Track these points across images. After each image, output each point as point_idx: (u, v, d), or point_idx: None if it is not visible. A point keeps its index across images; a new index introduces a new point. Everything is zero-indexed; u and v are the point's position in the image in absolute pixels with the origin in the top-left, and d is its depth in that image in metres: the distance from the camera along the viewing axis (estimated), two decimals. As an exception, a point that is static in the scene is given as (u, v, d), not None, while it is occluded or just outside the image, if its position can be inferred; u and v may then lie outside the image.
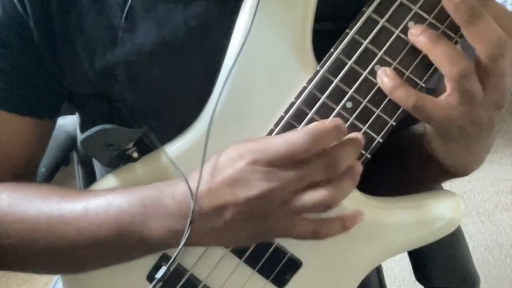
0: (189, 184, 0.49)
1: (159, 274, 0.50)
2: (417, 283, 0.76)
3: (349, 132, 0.49)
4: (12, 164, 0.60)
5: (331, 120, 0.48)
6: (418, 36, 0.46)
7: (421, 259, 0.76)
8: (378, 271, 0.85)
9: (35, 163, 0.64)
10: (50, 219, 0.54)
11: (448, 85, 0.45)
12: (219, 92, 0.51)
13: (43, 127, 0.61)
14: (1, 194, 0.56)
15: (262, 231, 0.49)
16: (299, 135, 0.46)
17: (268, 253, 0.54)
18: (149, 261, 0.55)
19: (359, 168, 0.48)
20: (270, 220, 0.48)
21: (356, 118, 0.50)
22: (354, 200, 0.53)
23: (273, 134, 0.51)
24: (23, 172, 0.61)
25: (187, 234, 0.48)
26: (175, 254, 0.48)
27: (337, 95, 0.49)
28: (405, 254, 0.73)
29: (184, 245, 0.48)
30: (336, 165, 0.46)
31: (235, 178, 0.47)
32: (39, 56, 0.56)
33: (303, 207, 0.47)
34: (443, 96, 0.46)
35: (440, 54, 0.45)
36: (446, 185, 0.63)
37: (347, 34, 0.49)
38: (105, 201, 0.53)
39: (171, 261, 0.49)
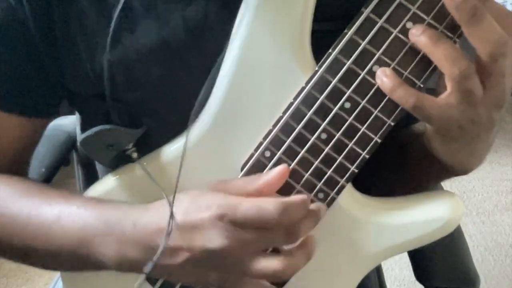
0: (159, 213, 0.49)
1: (147, 269, 0.50)
2: (417, 283, 0.76)
3: (348, 134, 0.50)
4: (1, 160, 0.60)
5: (300, 196, 0.48)
6: (419, 36, 0.46)
7: (421, 259, 0.76)
8: (378, 271, 0.85)
9: (24, 161, 0.65)
10: (27, 218, 0.55)
11: (449, 85, 0.45)
12: (202, 92, 0.51)
13: (36, 126, 0.62)
14: None
15: (210, 281, 0.50)
16: (270, 206, 0.46)
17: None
18: (149, 261, 0.56)
19: (313, 244, 0.50)
20: (220, 275, 0.49)
21: (354, 118, 0.50)
22: (354, 201, 0.54)
23: (271, 135, 0.51)
24: (10, 168, 0.61)
25: (159, 254, 0.48)
26: (156, 255, 0.49)
27: (336, 95, 0.49)
28: (405, 254, 0.73)
29: (144, 273, 0.50)
30: (295, 235, 0.48)
31: (197, 226, 0.48)
32: (37, 56, 0.57)
33: (254, 272, 0.48)
34: (443, 96, 0.46)
35: (441, 54, 0.45)
36: (446, 185, 0.63)
37: (346, 34, 0.49)
38: (76, 210, 0.54)
39: (155, 257, 0.49)
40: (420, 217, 0.54)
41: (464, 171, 0.54)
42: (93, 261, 0.53)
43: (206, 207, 0.47)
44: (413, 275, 0.77)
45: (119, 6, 0.53)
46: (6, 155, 0.61)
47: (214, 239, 0.47)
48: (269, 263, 0.47)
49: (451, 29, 0.46)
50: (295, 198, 0.48)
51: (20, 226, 0.55)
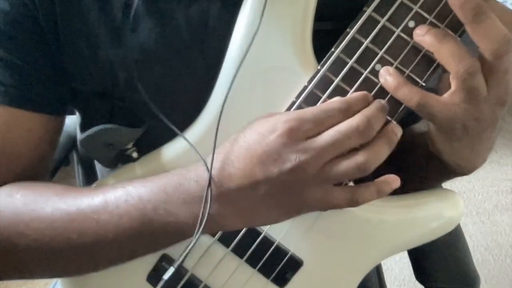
0: (216, 162, 0.48)
1: (166, 275, 0.49)
2: (417, 283, 0.76)
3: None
4: (25, 163, 0.58)
5: (359, 92, 0.48)
6: (423, 35, 0.46)
7: (421, 259, 0.76)
8: (378, 271, 0.85)
9: (47, 162, 0.62)
10: (67, 215, 0.52)
11: (453, 83, 0.45)
12: (226, 92, 0.50)
13: (54, 124, 0.60)
14: (16, 194, 0.55)
15: (297, 204, 0.48)
16: (333, 103, 0.47)
17: (268, 253, 0.54)
18: (149, 261, 0.56)
19: (395, 128, 0.48)
20: (305, 192, 0.47)
21: (357, 117, 0.49)
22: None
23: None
24: (35, 172, 0.59)
25: (204, 219, 0.47)
26: (184, 252, 0.48)
27: (338, 94, 0.49)
28: (405, 254, 0.73)
29: (213, 230, 0.47)
30: (368, 129, 0.46)
31: (267, 153, 0.46)
32: (48, 51, 0.56)
33: (338, 174, 0.46)
34: (447, 94, 0.46)
35: (446, 52, 0.45)
36: (446, 185, 0.63)
37: (348, 33, 0.49)
38: (124, 191, 0.51)
39: (179, 262, 0.48)
40: (421, 214, 0.54)
41: (467, 171, 0.54)
42: (162, 234, 0.50)
43: (270, 130, 0.46)
44: (413, 275, 0.77)
45: (127, 6, 0.53)
46: (29, 159, 0.58)
47: (289, 158, 0.45)
48: (351, 160, 0.46)
49: (453, 28, 0.46)
50: (354, 94, 0.48)
51: (61, 225, 0.52)
